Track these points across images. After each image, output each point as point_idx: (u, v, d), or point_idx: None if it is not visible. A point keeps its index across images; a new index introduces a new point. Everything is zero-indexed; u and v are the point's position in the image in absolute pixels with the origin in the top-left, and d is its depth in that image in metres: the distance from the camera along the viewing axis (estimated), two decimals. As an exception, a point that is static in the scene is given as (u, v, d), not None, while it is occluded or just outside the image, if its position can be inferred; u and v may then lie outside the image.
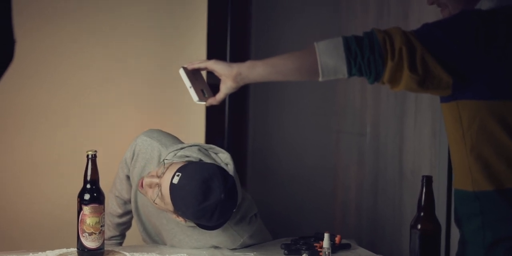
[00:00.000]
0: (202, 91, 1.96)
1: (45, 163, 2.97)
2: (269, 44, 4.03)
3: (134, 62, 3.10)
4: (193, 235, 2.37)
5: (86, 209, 2.13)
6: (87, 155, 2.15)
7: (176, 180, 2.10)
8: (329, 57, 1.80)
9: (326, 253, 2.12)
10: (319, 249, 2.31)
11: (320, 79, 1.83)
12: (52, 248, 2.25)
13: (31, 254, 2.21)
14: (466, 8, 1.94)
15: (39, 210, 2.95)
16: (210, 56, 3.15)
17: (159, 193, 2.14)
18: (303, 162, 3.93)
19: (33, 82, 2.93)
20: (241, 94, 2.68)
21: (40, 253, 2.22)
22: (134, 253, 2.23)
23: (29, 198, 2.94)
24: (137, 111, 3.11)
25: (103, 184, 2.18)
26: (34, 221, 2.94)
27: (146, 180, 2.20)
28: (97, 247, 2.14)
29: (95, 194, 2.14)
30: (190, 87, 1.93)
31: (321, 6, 3.90)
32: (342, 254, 2.36)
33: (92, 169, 2.16)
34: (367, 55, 1.78)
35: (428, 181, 1.93)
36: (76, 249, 2.17)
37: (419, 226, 1.92)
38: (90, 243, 2.14)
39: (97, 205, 2.14)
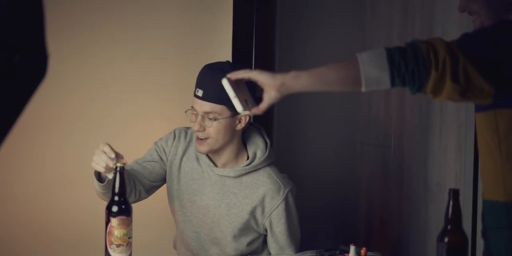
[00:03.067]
0: (246, 101, 1.96)
1: (75, 174, 3.00)
2: (294, 48, 4.04)
3: (160, 76, 3.13)
4: (240, 192, 2.49)
5: (114, 221, 2.15)
6: (116, 168, 2.17)
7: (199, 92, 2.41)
8: (372, 67, 1.81)
9: (352, 265, 2.13)
10: (345, 262, 2.31)
11: (363, 89, 1.84)
12: (80, 260, 2.27)
13: (59, 265, 2.23)
14: (499, 18, 1.94)
15: (67, 223, 2.98)
16: (235, 56, 3.17)
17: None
18: (326, 174, 3.93)
19: (64, 92, 2.98)
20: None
21: (68, 264, 2.24)
22: (161, 265, 2.24)
23: (57, 210, 2.97)
24: (167, 121, 3.13)
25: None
26: (63, 232, 2.97)
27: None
28: (124, 259, 2.16)
29: (123, 206, 2.16)
30: (234, 97, 1.93)
31: (346, 12, 3.90)
32: (368, 267, 2.36)
33: (120, 181, 2.18)
34: (411, 66, 1.79)
35: (455, 194, 1.92)
36: (104, 260, 2.19)
37: (446, 239, 1.91)
38: (117, 254, 2.15)
39: (124, 217, 2.16)
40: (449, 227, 1.92)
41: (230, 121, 2.47)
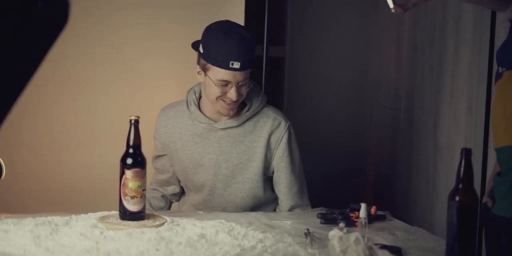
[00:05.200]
0: None
1: (86, 129, 3.02)
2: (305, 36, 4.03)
3: (172, 39, 3.12)
4: (246, 139, 2.57)
5: (129, 173, 2.18)
6: (130, 120, 2.19)
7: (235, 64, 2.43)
8: None
9: (363, 223, 2.15)
10: (355, 219, 2.33)
11: (509, 12, 1.88)
12: (95, 211, 2.29)
13: (73, 215, 2.25)
14: None
15: (81, 175, 3.01)
16: (248, 18, 3.16)
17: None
18: (336, 136, 3.95)
19: (74, 51, 2.97)
20: (275, 67, 2.69)
21: (82, 215, 2.27)
22: (174, 218, 2.27)
23: (72, 163, 3.00)
24: (176, 79, 3.14)
25: (143, 150, 2.22)
26: (77, 185, 2.99)
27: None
28: (138, 210, 2.19)
29: (138, 159, 2.19)
30: None
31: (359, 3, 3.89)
32: (377, 225, 2.37)
33: (134, 134, 2.20)
34: None
35: (467, 153, 1.93)
36: (118, 212, 2.22)
37: (457, 198, 1.92)
38: (132, 206, 2.18)
39: (139, 169, 2.18)
40: (460, 186, 1.93)
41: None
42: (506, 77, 2.07)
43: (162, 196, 2.75)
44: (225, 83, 2.47)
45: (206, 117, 2.58)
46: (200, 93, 2.61)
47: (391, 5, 1.96)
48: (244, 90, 2.50)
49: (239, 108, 2.59)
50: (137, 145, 2.20)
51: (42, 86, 2.92)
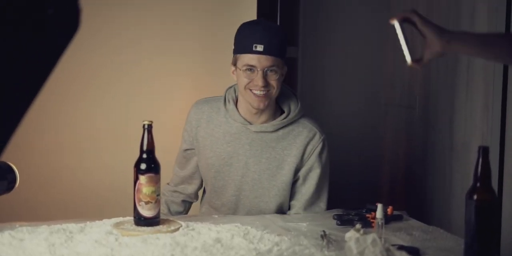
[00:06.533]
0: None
1: (102, 134, 3.02)
2: (318, 29, 4.02)
3: (184, 35, 3.11)
4: (278, 145, 2.56)
5: (143, 179, 2.17)
6: (143, 125, 2.18)
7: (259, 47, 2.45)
8: None
9: (379, 223, 2.13)
10: (371, 220, 2.32)
11: None
12: (109, 217, 2.29)
13: (88, 222, 2.25)
14: None
15: (96, 180, 3.00)
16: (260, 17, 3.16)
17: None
18: (350, 135, 3.93)
19: (85, 51, 2.96)
20: (288, 68, 2.70)
21: (97, 221, 2.26)
22: (189, 222, 2.26)
23: (86, 169, 3.00)
24: (192, 81, 3.13)
25: (157, 154, 2.21)
26: (91, 191, 2.99)
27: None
28: (153, 216, 2.18)
29: (151, 164, 2.18)
30: (404, 44, 1.86)
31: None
32: (394, 225, 2.36)
33: (148, 139, 2.19)
34: None
35: (485, 151, 1.91)
36: (132, 217, 2.20)
37: (475, 197, 1.90)
38: (146, 211, 2.17)
39: (153, 174, 2.17)
40: (478, 184, 1.91)
41: (282, 73, 2.54)
42: None
43: (183, 201, 2.74)
44: (251, 68, 2.47)
45: (242, 117, 2.57)
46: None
47: (409, 61, 1.90)
48: (273, 79, 2.49)
49: (277, 113, 2.59)
50: (150, 150, 2.19)
51: (53, 92, 2.91)
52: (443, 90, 3.26)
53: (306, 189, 2.60)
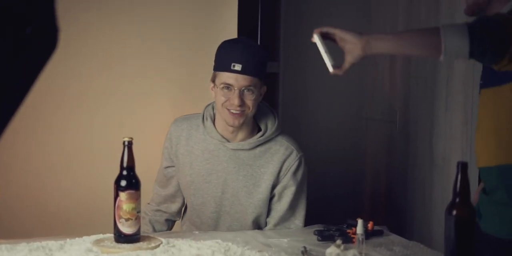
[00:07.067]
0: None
1: (79, 151, 3.00)
2: (299, 27, 4.03)
3: (164, 55, 3.10)
4: (255, 163, 2.55)
5: (123, 195, 2.16)
6: (123, 142, 2.17)
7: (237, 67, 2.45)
8: (453, 37, 1.92)
9: (360, 239, 2.13)
10: (352, 235, 2.32)
11: (442, 57, 1.94)
12: (89, 234, 2.27)
13: (68, 239, 2.23)
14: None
15: (75, 197, 2.98)
16: (241, 35, 3.16)
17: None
18: (332, 149, 3.94)
19: (67, 71, 2.95)
20: (269, 83, 2.71)
21: (77, 238, 2.24)
22: (169, 239, 2.25)
23: (65, 186, 2.97)
24: (170, 100, 3.12)
25: (137, 172, 2.20)
26: (71, 208, 2.97)
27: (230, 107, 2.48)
28: (133, 233, 2.17)
29: (131, 180, 2.17)
30: (326, 52, 1.98)
31: (352, 11, 3.90)
32: (375, 241, 2.36)
33: (128, 155, 2.18)
34: (494, 36, 1.92)
35: (463, 167, 1.92)
36: (113, 234, 2.19)
37: (454, 212, 1.91)
38: (126, 228, 2.16)
39: (133, 191, 2.16)
40: (457, 200, 1.92)
41: (259, 93, 2.54)
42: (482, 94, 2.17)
43: (166, 220, 2.73)
44: (228, 86, 2.48)
45: (219, 134, 2.57)
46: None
47: (330, 69, 2.00)
48: (249, 99, 2.49)
49: (254, 131, 2.60)
50: (130, 167, 2.18)
51: (36, 107, 2.90)
52: (423, 105, 3.29)
53: (281, 206, 2.60)
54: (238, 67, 2.46)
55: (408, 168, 3.42)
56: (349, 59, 1.97)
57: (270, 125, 2.60)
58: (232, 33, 3.11)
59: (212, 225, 2.61)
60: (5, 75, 1.08)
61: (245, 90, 2.48)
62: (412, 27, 3.34)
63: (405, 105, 3.46)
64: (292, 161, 2.58)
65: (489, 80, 2.17)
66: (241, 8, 3.19)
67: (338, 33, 1.99)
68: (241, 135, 2.58)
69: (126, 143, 2.17)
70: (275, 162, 2.57)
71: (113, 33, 3.04)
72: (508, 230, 2.11)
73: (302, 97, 4.07)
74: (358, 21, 3.88)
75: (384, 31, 3.54)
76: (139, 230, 2.19)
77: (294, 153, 2.59)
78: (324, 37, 2.02)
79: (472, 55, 1.93)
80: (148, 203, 2.73)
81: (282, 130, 2.64)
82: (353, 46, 1.96)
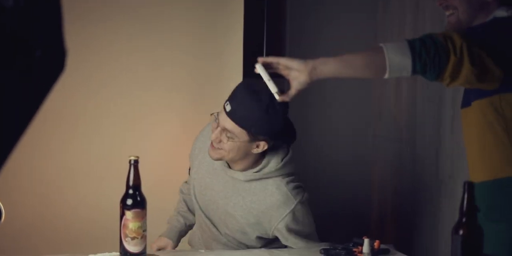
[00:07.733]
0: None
1: (86, 170, 3.00)
2: (304, 41, 4.03)
3: (170, 68, 3.11)
4: (248, 196, 2.46)
5: (129, 214, 2.16)
6: (130, 161, 2.17)
7: (228, 106, 2.32)
8: (396, 55, 1.97)
9: (366, 258, 2.13)
10: (358, 254, 2.31)
11: (387, 75, 1.99)
12: (95, 252, 2.27)
13: (74, 258, 2.24)
14: (474, 14, 2.23)
15: (81, 216, 2.98)
16: (246, 50, 3.17)
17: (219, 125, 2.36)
18: (339, 167, 3.93)
19: (70, 87, 2.95)
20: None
21: (82, 257, 2.25)
22: (175, 258, 2.25)
23: (70, 204, 2.98)
24: (174, 115, 3.12)
25: (144, 190, 2.21)
26: (77, 227, 2.97)
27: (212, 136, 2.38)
28: (139, 252, 2.17)
29: (137, 199, 2.17)
30: (269, 80, 2.01)
31: (357, 13, 3.90)
32: (381, 260, 2.36)
33: (134, 174, 2.18)
34: (432, 53, 1.97)
35: (469, 186, 1.92)
36: (118, 253, 2.19)
37: (461, 232, 1.90)
38: (132, 247, 2.16)
39: (139, 210, 2.17)
40: (464, 220, 1.91)
41: (247, 145, 2.38)
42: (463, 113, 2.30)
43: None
44: (215, 120, 2.40)
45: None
46: None
47: (276, 97, 2.03)
48: (224, 141, 2.37)
49: (256, 164, 2.46)
50: (136, 186, 2.18)
51: (41, 126, 2.90)
52: (429, 122, 3.28)
53: (292, 245, 2.53)
54: (227, 107, 2.34)
55: (415, 186, 3.41)
56: (295, 86, 2.01)
57: (272, 163, 2.45)
58: (238, 31, 3.13)
59: (210, 240, 2.60)
60: (14, 98, 1.09)
61: (224, 132, 2.37)
62: (418, 33, 3.34)
63: (412, 124, 3.45)
64: (287, 210, 2.43)
65: (464, 100, 2.29)
66: (247, 21, 3.21)
67: (282, 62, 2.02)
68: (238, 166, 2.48)
69: (132, 161, 2.18)
70: (268, 204, 2.45)
71: (119, 47, 3.05)
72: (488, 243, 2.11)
73: (308, 114, 4.07)
74: (364, 30, 3.88)
75: (390, 38, 3.54)
76: (144, 248, 2.19)
77: (290, 201, 2.44)
78: (266, 67, 2.04)
79: (414, 71, 1.99)
80: (185, 182, 2.75)
81: (288, 173, 2.49)
82: (299, 73, 1.99)
